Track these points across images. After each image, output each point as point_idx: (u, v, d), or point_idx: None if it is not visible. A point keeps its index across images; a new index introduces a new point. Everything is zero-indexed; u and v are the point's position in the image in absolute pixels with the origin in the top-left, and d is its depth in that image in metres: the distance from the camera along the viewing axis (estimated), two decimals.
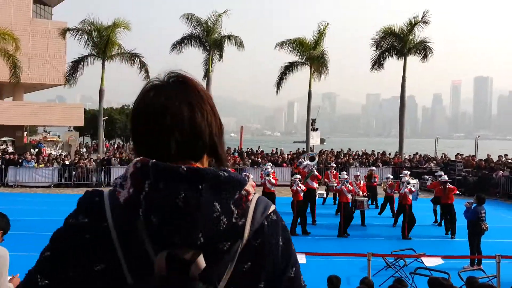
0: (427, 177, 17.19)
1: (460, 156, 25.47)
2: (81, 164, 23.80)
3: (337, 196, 17.52)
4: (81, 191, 17.81)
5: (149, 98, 1.07)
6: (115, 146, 51.00)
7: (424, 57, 29.70)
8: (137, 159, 1.05)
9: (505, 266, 7.55)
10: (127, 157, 26.20)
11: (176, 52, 29.69)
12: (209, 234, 0.96)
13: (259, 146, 33.31)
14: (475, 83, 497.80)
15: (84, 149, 40.67)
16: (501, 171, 21.20)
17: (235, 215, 0.99)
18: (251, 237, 1.02)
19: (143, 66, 30.44)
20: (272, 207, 1.09)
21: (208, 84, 29.27)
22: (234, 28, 32.17)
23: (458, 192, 13.41)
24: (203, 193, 0.97)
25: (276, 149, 31.20)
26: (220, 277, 0.99)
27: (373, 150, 29.36)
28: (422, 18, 29.13)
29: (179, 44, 29.49)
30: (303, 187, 13.43)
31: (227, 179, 1.01)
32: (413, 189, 13.09)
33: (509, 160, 23.14)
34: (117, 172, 23.63)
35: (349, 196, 13.17)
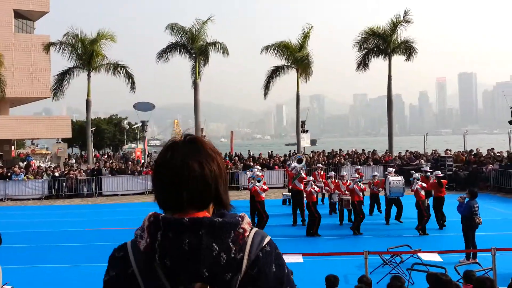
0: (414, 172, 16.94)
1: (449, 152, 25.73)
2: (71, 175, 23.55)
3: (325, 197, 17.69)
4: (72, 202, 17.60)
5: (167, 156, 1.36)
6: (106, 156, 50.59)
7: (408, 57, 30.00)
8: (150, 213, 1.33)
9: (500, 258, 7.61)
10: (117, 167, 25.98)
11: (163, 61, 29.62)
12: (212, 269, 1.24)
13: (249, 150, 33.36)
14: (459, 79, 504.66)
15: (74, 160, 40.28)
16: (490, 165, 21.44)
17: (233, 251, 1.27)
18: (248, 268, 1.28)
19: (129, 76, 30.31)
20: (267, 239, 1.35)
21: (196, 91, 29.20)
22: (221, 34, 32.20)
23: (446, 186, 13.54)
24: (203, 237, 1.26)
25: (270, 152, 31.12)
26: None
27: (363, 150, 29.50)
28: (404, 17, 29.47)
29: (164, 53, 29.36)
30: (316, 188, 13.52)
31: (221, 224, 1.29)
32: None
33: (498, 154, 23.41)
34: (107, 181, 23.43)
35: (361, 195, 13.28)
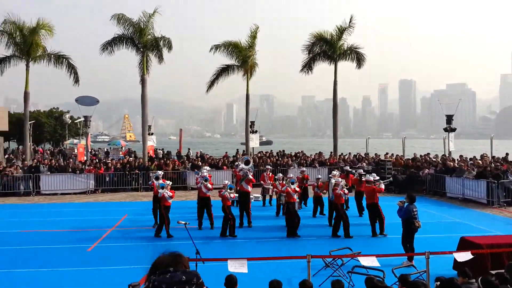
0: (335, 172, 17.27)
1: (388, 156, 27.06)
2: (6, 172, 22.13)
3: (273, 198, 17.92)
4: (8, 201, 16.57)
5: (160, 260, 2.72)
6: (48, 151, 47.85)
7: (358, 63, 31.13)
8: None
9: (434, 260, 8.08)
10: (56, 164, 24.75)
11: (107, 54, 28.46)
12: None
13: (200, 151, 33.13)
14: (400, 86, 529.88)
15: (11, 156, 37.84)
16: (426, 169, 22.70)
17: None
18: None
19: (71, 67, 28.93)
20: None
21: (143, 86, 28.38)
22: (172, 29, 31.44)
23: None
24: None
25: (240, 155, 30.96)
26: None
27: (310, 154, 30.31)
28: (349, 23, 30.51)
29: (109, 45, 28.20)
30: (346, 191, 13.57)
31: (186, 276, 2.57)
32: (346, 190, 13.67)
33: (434, 159, 24.86)
34: (46, 180, 22.26)
35: (295, 197, 13.31)
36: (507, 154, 24.49)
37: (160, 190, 12.99)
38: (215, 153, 43.28)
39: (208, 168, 19.79)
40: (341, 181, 13.61)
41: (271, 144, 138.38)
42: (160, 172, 15.48)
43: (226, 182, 14.22)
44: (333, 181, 14.28)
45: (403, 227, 10.32)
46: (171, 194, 13.09)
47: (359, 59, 31.00)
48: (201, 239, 12.06)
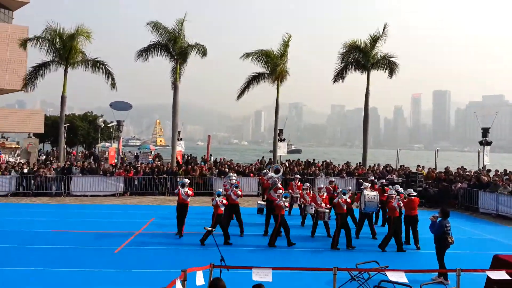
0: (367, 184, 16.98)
1: (420, 168, 26.32)
2: (40, 173, 22.88)
3: (302, 207, 17.68)
4: (39, 201, 17.03)
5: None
6: (81, 153, 49.23)
7: (391, 73, 30.74)
8: None
9: (464, 278, 7.76)
10: (89, 166, 25.41)
11: (141, 60, 29.16)
12: None
13: (223, 157, 33.23)
14: (434, 96, 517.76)
15: (44, 156, 39.17)
16: (459, 183, 21.98)
17: None
18: None
19: (108, 73, 29.83)
20: None
21: (175, 92, 28.87)
22: (203, 36, 31.95)
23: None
24: None
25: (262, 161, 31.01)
26: None
27: (338, 164, 29.90)
28: (383, 32, 30.20)
29: (144, 52, 28.91)
30: (348, 200, 13.38)
31: None
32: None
33: (467, 173, 24.06)
34: (77, 181, 22.88)
35: (345, 208, 13.05)
36: None
37: (216, 198, 12.94)
38: (241, 161, 43.35)
39: (235, 175, 19.86)
40: (395, 194, 13.16)
41: (300, 152, 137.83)
42: (187, 180, 15.57)
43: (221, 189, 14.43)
44: (366, 192, 14.00)
45: (435, 243, 9.97)
46: (225, 202, 13.05)
47: (392, 69, 30.61)
48: (225, 246, 12.06)
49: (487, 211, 19.55)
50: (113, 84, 30.06)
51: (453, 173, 24.31)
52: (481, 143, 25.85)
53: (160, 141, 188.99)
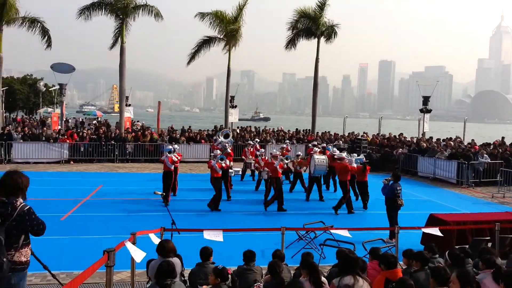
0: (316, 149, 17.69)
1: (365, 135, 27.47)
2: None
3: (255, 173, 17.99)
4: None
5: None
6: (18, 118, 46.50)
7: (329, 38, 31.08)
8: None
9: (402, 235, 8.34)
10: (30, 132, 24.15)
11: (84, 19, 27.46)
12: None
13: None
14: (380, 66, 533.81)
15: None
16: (400, 149, 23.19)
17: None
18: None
19: (45, 32, 27.79)
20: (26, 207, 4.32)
21: (122, 55, 27.67)
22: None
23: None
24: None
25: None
26: None
27: (288, 130, 30.45)
28: None
29: (87, 10, 27.22)
30: (285, 166, 13.65)
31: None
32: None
33: (407, 139, 25.38)
34: (18, 147, 21.73)
35: (280, 172, 13.45)
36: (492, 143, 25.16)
37: (218, 161, 13.01)
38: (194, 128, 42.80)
39: (177, 146, 19.57)
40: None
41: (269, 120, 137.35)
42: (176, 146, 15.23)
43: (218, 152, 14.13)
44: (315, 156, 14.45)
45: (386, 205, 10.53)
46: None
47: (331, 36, 30.94)
48: (182, 211, 12.11)
49: (425, 174, 20.87)
50: (48, 44, 28.04)
51: (395, 138, 25.58)
52: (421, 110, 27.21)
53: (118, 107, 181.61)
